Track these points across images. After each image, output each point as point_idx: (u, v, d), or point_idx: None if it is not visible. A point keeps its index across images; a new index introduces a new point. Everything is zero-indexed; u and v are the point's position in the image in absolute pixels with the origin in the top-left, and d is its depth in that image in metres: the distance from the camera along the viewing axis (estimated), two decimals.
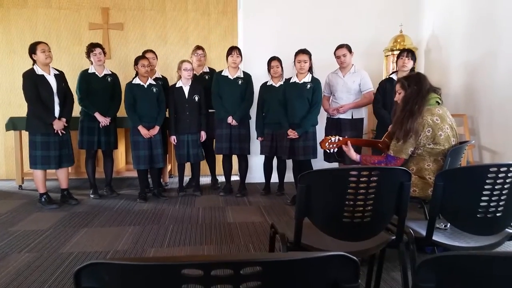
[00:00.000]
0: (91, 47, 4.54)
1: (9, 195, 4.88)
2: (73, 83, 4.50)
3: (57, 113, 4.14)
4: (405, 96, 2.60)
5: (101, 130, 4.54)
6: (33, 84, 4.03)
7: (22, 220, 3.84)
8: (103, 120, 4.50)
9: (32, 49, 4.08)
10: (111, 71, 4.74)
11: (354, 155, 2.79)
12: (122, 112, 4.95)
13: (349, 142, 2.85)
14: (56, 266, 2.74)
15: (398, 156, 2.54)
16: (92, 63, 4.58)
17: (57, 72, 4.23)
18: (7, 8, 5.77)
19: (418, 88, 2.55)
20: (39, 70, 4.09)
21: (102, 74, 4.61)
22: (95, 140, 4.55)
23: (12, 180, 5.53)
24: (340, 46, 4.38)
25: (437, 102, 2.59)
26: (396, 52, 4.87)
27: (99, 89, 4.55)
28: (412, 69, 4.14)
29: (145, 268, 0.80)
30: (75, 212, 4.07)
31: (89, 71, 4.58)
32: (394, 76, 4.19)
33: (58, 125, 4.10)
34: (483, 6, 4.34)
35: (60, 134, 4.14)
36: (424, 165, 2.54)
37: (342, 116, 4.42)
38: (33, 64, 4.12)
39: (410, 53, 4.13)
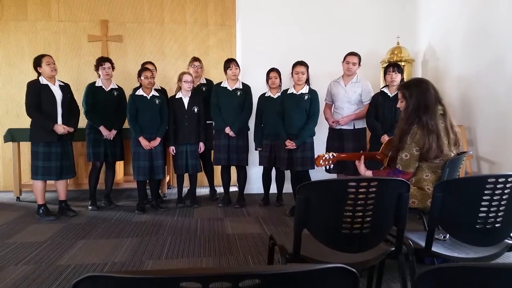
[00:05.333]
0: (101, 61, 4.59)
1: (7, 207, 4.86)
2: (75, 95, 4.49)
3: (60, 123, 4.12)
4: (407, 107, 2.57)
5: (107, 142, 4.56)
6: (35, 92, 4.05)
7: (19, 232, 3.81)
8: (107, 134, 4.51)
9: (38, 62, 4.10)
10: (117, 85, 4.77)
11: (363, 171, 2.73)
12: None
13: (362, 158, 2.79)
14: (53, 279, 2.72)
15: (406, 171, 2.50)
16: (99, 77, 4.61)
17: (62, 84, 4.25)
18: (6, 21, 5.81)
19: (421, 100, 2.50)
20: (44, 80, 4.11)
21: (109, 88, 4.64)
22: (102, 152, 4.56)
23: (10, 191, 5.51)
24: (353, 54, 4.37)
25: (441, 114, 2.56)
26: None
27: (105, 103, 4.58)
28: (402, 81, 4.18)
29: (143, 281, 0.79)
30: (73, 224, 4.05)
31: (96, 85, 4.61)
32: (386, 90, 4.26)
33: (59, 129, 4.07)
34: (480, 17, 4.38)
35: (66, 131, 4.09)
36: (423, 175, 2.53)
37: (344, 126, 4.43)
38: (38, 76, 4.14)
39: (396, 67, 4.19)
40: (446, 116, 2.56)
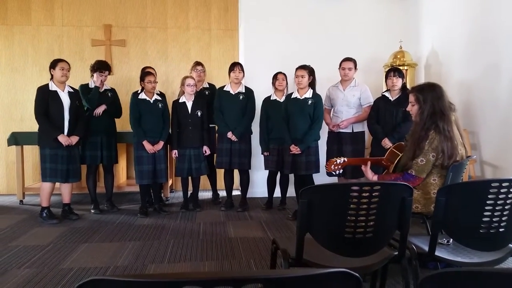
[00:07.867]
0: (102, 68, 4.56)
1: (10, 210, 4.87)
2: None
3: (66, 130, 4.15)
4: (421, 113, 2.53)
5: (103, 145, 4.56)
6: (43, 99, 4.10)
7: (22, 235, 3.82)
8: (101, 108, 4.52)
9: (53, 65, 4.16)
10: (110, 87, 4.80)
11: (371, 176, 2.70)
12: (122, 127, 4.97)
13: (369, 163, 2.76)
14: (56, 282, 2.72)
15: (419, 176, 2.49)
16: (92, 77, 4.61)
17: (71, 90, 4.27)
18: (11, 26, 5.85)
19: (436, 106, 2.47)
20: (53, 86, 4.15)
21: (103, 89, 4.65)
22: (98, 155, 4.56)
23: (13, 195, 5.52)
24: (348, 59, 4.43)
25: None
26: None
27: (99, 104, 4.56)
28: (404, 86, 4.21)
29: (145, 285, 0.79)
30: (76, 227, 4.05)
31: (90, 86, 4.60)
32: (387, 94, 4.27)
33: (64, 139, 4.10)
34: (482, 22, 4.38)
35: (68, 143, 4.11)
36: (430, 179, 2.52)
37: (342, 130, 4.45)
38: (50, 79, 4.18)
39: (397, 71, 4.22)
40: (458, 124, 2.56)
